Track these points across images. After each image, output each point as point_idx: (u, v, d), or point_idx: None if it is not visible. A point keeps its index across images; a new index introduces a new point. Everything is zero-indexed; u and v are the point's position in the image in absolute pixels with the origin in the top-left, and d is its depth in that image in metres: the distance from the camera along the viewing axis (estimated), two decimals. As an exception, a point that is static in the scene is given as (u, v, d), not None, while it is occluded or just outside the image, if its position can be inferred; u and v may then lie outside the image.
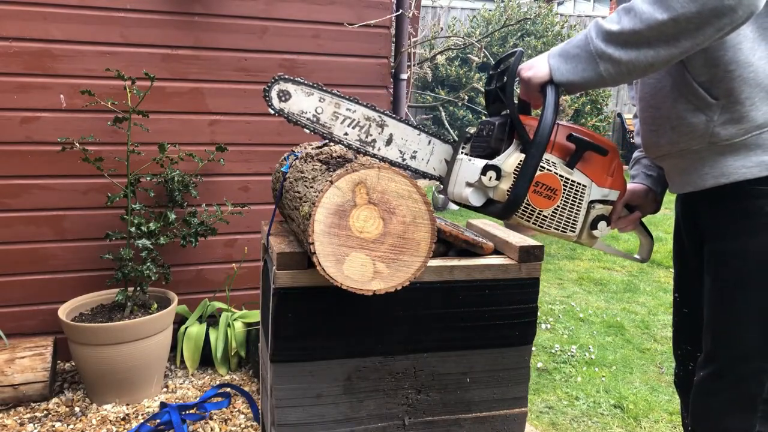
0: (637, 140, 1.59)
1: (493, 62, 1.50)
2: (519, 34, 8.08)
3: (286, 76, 1.35)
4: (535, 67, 1.24)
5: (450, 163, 1.38)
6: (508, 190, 1.25)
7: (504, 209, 1.26)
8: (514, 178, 1.25)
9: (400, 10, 2.95)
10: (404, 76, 3.13)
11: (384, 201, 1.19)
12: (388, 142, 1.39)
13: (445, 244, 1.43)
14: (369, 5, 2.82)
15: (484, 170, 1.26)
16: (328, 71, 2.82)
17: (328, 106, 1.36)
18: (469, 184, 1.29)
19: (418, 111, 7.54)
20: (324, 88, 1.37)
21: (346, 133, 1.37)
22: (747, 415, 1.27)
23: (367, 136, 1.38)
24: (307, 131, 1.36)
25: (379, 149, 1.39)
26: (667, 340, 3.21)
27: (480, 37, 7.07)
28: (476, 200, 1.29)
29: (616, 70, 1.14)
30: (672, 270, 1.76)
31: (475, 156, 1.32)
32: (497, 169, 1.25)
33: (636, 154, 1.60)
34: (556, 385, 2.71)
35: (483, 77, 7.44)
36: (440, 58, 7.22)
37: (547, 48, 7.62)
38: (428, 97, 7.13)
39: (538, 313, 2.08)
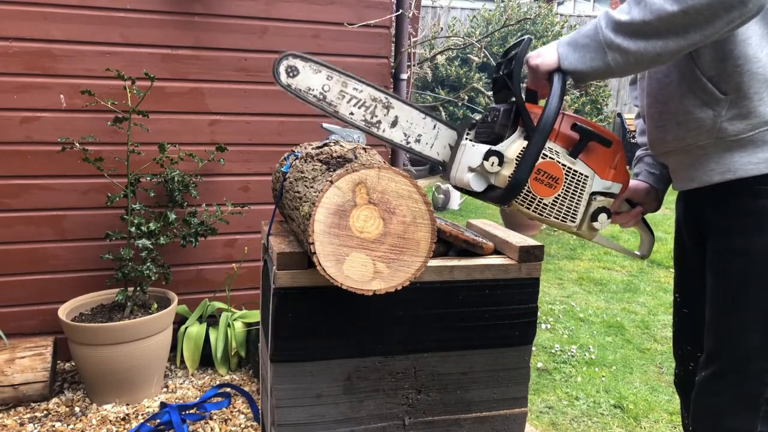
0: (639, 140, 1.59)
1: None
2: (519, 34, 8.08)
3: (296, 53, 1.33)
4: (543, 55, 1.24)
5: (454, 149, 1.38)
6: (509, 176, 1.25)
7: (504, 194, 1.26)
8: (516, 164, 1.24)
9: (400, 10, 2.94)
10: (404, 76, 3.13)
11: (384, 201, 1.18)
12: (393, 124, 1.39)
13: (445, 244, 1.43)
14: (369, 5, 2.82)
15: (487, 155, 1.25)
16: (328, 71, 2.82)
17: (335, 84, 1.35)
18: (471, 169, 1.29)
19: (418, 111, 7.51)
20: (332, 66, 1.36)
21: (351, 113, 1.37)
22: (749, 415, 1.27)
23: (372, 117, 1.37)
24: (312, 107, 1.35)
25: (384, 131, 1.38)
26: (667, 340, 3.21)
27: (480, 37, 7.07)
28: (477, 185, 1.29)
29: (623, 59, 1.14)
30: (672, 270, 1.76)
31: (480, 142, 1.32)
32: (500, 155, 1.25)
33: (639, 152, 1.59)
34: (556, 385, 2.71)
35: (483, 77, 7.44)
36: (440, 58, 7.22)
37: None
38: (428, 97, 7.13)
39: (538, 313, 2.08)
